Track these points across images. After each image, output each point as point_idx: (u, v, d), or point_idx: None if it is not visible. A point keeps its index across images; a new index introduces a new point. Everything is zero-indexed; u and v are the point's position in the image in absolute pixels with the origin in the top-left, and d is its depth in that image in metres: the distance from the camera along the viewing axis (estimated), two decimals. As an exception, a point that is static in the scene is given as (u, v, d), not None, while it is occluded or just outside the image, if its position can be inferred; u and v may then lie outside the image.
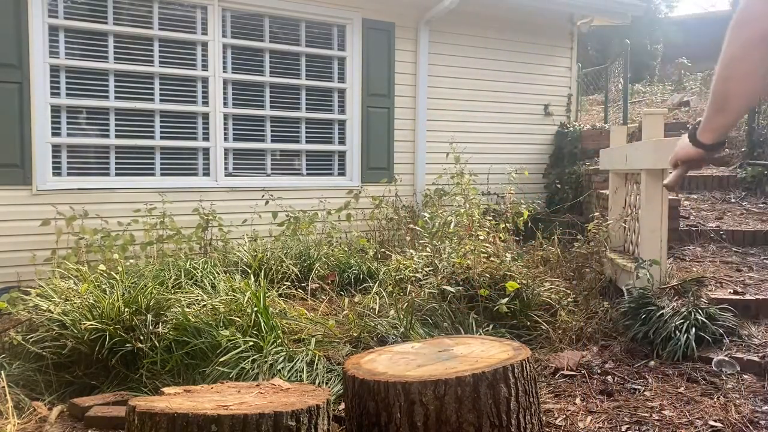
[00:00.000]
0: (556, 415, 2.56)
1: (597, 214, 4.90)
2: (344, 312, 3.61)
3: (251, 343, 2.87)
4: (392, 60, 6.34)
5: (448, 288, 3.58)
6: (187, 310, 3.11)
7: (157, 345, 2.93)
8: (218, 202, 5.32)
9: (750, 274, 3.93)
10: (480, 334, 3.25)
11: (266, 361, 2.78)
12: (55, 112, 4.98)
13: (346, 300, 3.80)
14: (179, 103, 5.48)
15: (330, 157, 6.25)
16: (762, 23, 1.33)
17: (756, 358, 2.97)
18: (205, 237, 4.82)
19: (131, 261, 4.27)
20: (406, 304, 3.51)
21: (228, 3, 5.58)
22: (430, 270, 3.89)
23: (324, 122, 6.19)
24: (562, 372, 3.01)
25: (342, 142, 6.26)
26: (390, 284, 3.83)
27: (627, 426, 2.44)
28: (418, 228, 4.62)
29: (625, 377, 2.96)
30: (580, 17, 7.39)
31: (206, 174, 5.61)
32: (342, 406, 2.53)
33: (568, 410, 2.61)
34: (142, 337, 2.96)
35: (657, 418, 2.51)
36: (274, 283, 3.97)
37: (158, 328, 3.03)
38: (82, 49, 5.10)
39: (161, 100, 5.40)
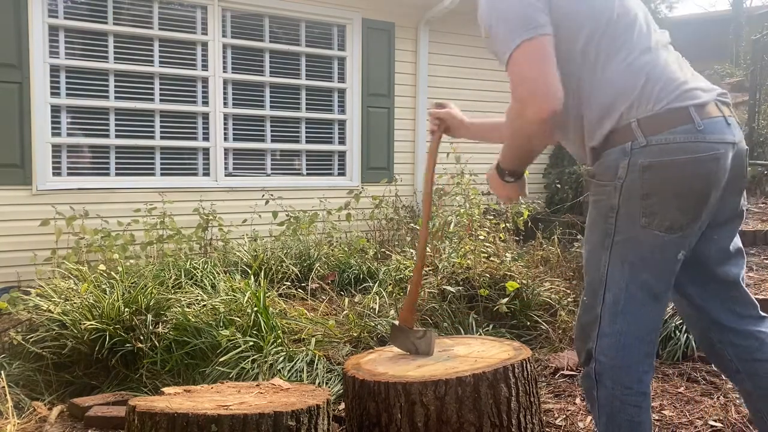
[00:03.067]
0: (556, 415, 2.56)
1: (597, 214, 4.89)
2: (344, 312, 3.61)
3: (251, 343, 2.87)
4: (392, 60, 6.34)
5: (448, 288, 3.58)
6: (187, 310, 3.11)
7: (157, 345, 2.94)
8: (218, 202, 5.31)
9: (750, 274, 3.93)
10: (480, 334, 3.25)
11: (266, 361, 2.78)
12: (55, 112, 4.98)
13: (346, 300, 3.80)
14: (179, 103, 5.47)
15: (330, 157, 6.25)
16: (550, 104, 1.50)
17: (756, 358, 2.97)
18: (205, 237, 4.82)
19: (131, 261, 4.27)
20: (406, 304, 3.51)
21: (228, 3, 5.58)
22: (430, 270, 3.89)
23: (324, 122, 6.19)
24: (562, 372, 3.01)
25: (342, 142, 6.26)
26: (390, 284, 3.83)
27: (627, 426, 2.44)
28: (418, 228, 4.61)
29: (625, 377, 2.96)
30: (580, 17, 7.38)
31: (206, 174, 5.61)
32: (342, 406, 2.53)
33: (568, 410, 2.61)
34: (142, 337, 2.96)
35: (657, 418, 2.51)
36: (274, 283, 3.97)
37: (158, 328, 3.03)
38: (82, 49, 5.09)
39: (161, 100, 5.39)
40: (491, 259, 3.90)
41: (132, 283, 3.43)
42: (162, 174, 5.42)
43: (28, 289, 3.54)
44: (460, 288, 3.60)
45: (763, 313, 1.75)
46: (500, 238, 4.37)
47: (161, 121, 5.41)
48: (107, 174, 5.23)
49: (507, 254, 4.04)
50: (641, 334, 1.60)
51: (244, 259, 4.29)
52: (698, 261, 1.68)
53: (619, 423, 1.61)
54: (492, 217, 4.85)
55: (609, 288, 1.60)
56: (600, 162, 1.60)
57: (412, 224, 5.25)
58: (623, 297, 1.58)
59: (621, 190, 1.54)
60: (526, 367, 2.04)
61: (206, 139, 5.59)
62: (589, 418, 2.53)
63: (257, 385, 2.13)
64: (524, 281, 3.71)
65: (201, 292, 3.44)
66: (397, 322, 2.30)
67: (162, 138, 5.41)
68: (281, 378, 2.55)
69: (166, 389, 2.03)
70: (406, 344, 2.25)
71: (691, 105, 1.51)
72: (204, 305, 3.20)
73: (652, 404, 2.64)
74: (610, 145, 1.57)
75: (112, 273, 3.60)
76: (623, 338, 1.59)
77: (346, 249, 4.85)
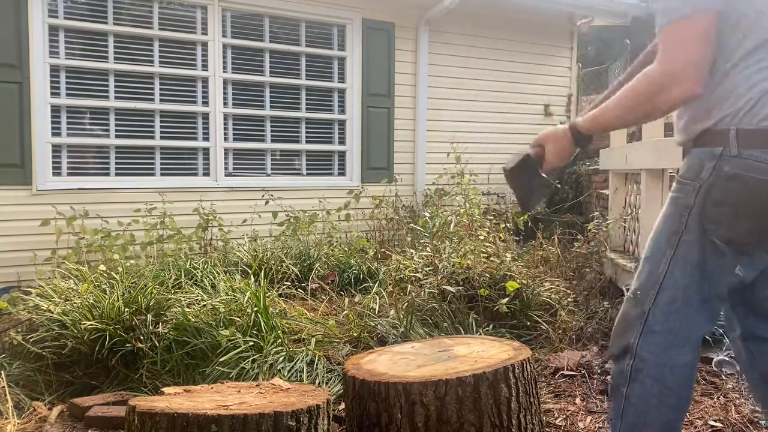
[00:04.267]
0: (556, 415, 2.56)
1: (597, 214, 4.90)
2: (344, 312, 3.61)
3: (251, 343, 2.87)
4: (392, 60, 6.33)
5: (448, 288, 3.58)
6: (187, 310, 3.11)
7: (157, 345, 2.93)
8: (218, 202, 5.32)
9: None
10: (480, 334, 3.25)
11: (266, 361, 2.78)
12: (55, 112, 4.98)
13: (346, 300, 3.80)
14: (179, 103, 5.47)
15: (330, 157, 6.25)
16: (689, 89, 1.46)
17: (756, 358, 2.97)
18: (205, 237, 4.82)
19: (131, 261, 4.26)
20: (406, 304, 3.51)
21: (228, 3, 5.58)
22: (430, 270, 3.89)
23: (324, 122, 6.19)
24: (562, 372, 3.01)
25: (342, 142, 6.26)
26: (390, 284, 3.83)
27: (627, 426, 2.44)
28: (418, 228, 4.61)
29: (625, 377, 2.96)
30: (580, 17, 7.38)
31: (206, 174, 5.61)
32: (342, 406, 2.53)
33: (568, 410, 2.61)
34: (142, 337, 2.96)
35: (657, 418, 2.51)
36: (274, 283, 3.97)
37: (158, 328, 3.03)
38: (82, 49, 5.09)
39: (161, 100, 5.39)
40: (491, 259, 3.90)
41: (132, 283, 3.43)
42: (162, 174, 5.42)
43: (28, 289, 3.54)
44: (460, 288, 3.60)
45: None
46: (500, 238, 4.37)
47: (161, 121, 5.41)
48: (107, 174, 5.23)
49: (507, 254, 4.04)
50: (691, 336, 1.59)
51: (244, 259, 4.29)
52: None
53: (649, 422, 1.59)
54: (492, 217, 4.85)
55: (666, 286, 1.58)
56: (686, 160, 1.59)
57: (411, 224, 5.25)
58: (681, 297, 1.57)
59: (699, 192, 1.53)
60: (526, 367, 2.04)
61: (206, 139, 5.59)
62: (589, 418, 2.53)
63: (257, 385, 2.13)
64: (524, 281, 3.71)
65: (201, 292, 3.44)
66: (531, 153, 1.87)
67: (162, 138, 5.41)
68: (281, 378, 2.55)
69: (166, 389, 2.02)
70: (528, 187, 1.89)
71: None
72: (204, 305, 3.20)
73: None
74: (700, 144, 1.55)
75: (112, 273, 3.60)
76: (673, 337, 1.57)
77: (346, 249, 4.85)
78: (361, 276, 4.33)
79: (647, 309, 1.60)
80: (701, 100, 1.52)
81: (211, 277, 3.76)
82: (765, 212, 1.49)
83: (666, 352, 1.58)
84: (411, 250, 4.36)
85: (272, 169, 5.95)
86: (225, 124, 5.67)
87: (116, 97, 5.21)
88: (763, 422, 2.42)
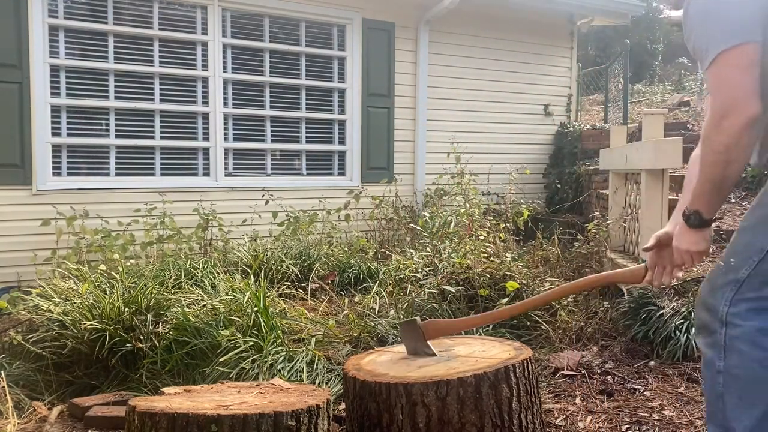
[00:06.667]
0: (556, 415, 2.56)
1: (597, 214, 4.90)
2: (344, 312, 3.61)
3: (251, 343, 2.87)
4: (392, 60, 6.33)
5: (448, 288, 3.58)
6: (187, 310, 3.11)
7: (157, 345, 2.93)
8: (218, 202, 5.31)
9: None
10: (480, 334, 3.25)
11: (266, 361, 2.78)
12: (55, 112, 4.98)
13: (346, 300, 3.80)
14: (179, 103, 5.47)
15: (330, 157, 6.25)
16: (747, 110, 1.48)
17: (756, 358, 2.97)
18: (205, 237, 4.82)
19: (131, 261, 4.27)
20: (406, 304, 3.51)
21: (228, 3, 5.57)
22: (430, 270, 3.89)
23: (324, 122, 6.19)
24: (562, 372, 3.01)
25: (342, 142, 6.26)
26: (390, 284, 3.83)
27: (627, 426, 2.44)
28: (418, 228, 4.61)
29: (625, 377, 2.96)
30: (580, 17, 7.39)
31: (206, 174, 5.61)
32: (342, 406, 2.53)
33: (568, 410, 2.61)
34: (142, 337, 2.96)
35: (657, 418, 2.51)
36: (274, 283, 3.97)
37: (158, 328, 3.03)
38: (82, 49, 5.09)
39: (161, 100, 5.39)
40: (491, 259, 3.90)
41: (132, 283, 3.43)
42: (162, 174, 5.42)
43: (29, 289, 3.54)
44: (460, 288, 3.60)
45: None
46: (500, 238, 4.37)
47: (161, 121, 5.41)
48: (107, 174, 5.22)
49: (507, 254, 4.04)
50: None
51: (244, 259, 4.29)
52: None
53: (760, 392, 1.56)
54: (492, 217, 4.85)
55: (766, 258, 1.57)
56: None
57: (411, 224, 5.25)
58: None
59: None
60: (527, 366, 2.04)
61: (206, 139, 5.59)
62: (590, 418, 2.53)
63: (257, 385, 2.12)
64: (524, 281, 3.71)
65: (201, 292, 3.43)
66: (419, 321, 2.23)
67: (162, 138, 5.41)
68: (281, 378, 2.55)
69: (166, 389, 2.02)
70: (411, 345, 2.23)
71: None
72: (204, 305, 3.20)
73: (652, 404, 2.64)
74: None
75: (112, 273, 3.60)
76: (766, 303, 1.57)
77: (346, 249, 4.85)
78: (361, 276, 4.33)
79: (743, 276, 1.60)
80: None
81: (211, 277, 3.76)
82: None
83: (760, 315, 1.57)
84: (411, 250, 4.36)
85: (272, 169, 5.95)
86: (225, 124, 5.67)
87: (116, 97, 5.21)
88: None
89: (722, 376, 1.60)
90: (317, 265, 4.31)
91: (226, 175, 5.67)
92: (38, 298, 3.27)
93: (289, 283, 4.01)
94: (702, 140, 1.61)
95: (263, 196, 5.46)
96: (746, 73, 1.50)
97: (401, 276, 3.91)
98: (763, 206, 1.64)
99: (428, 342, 2.21)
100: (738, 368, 1.58)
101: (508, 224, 4.76)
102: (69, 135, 5.06)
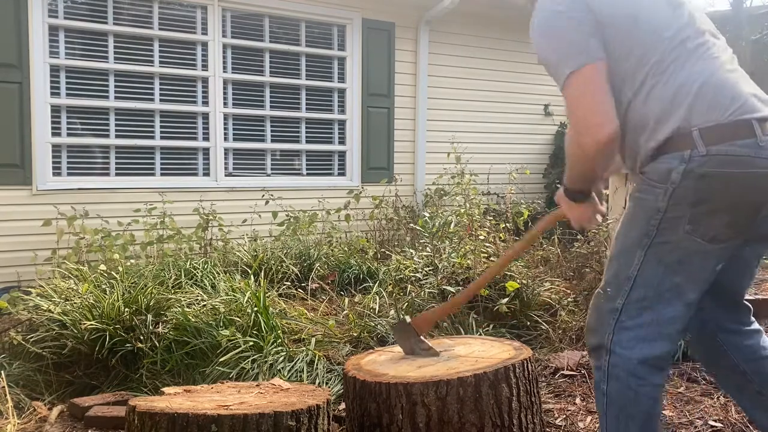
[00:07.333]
0: (556, 415, 2.56)
1: (597, 214, 4.88)
2: (344, 312, 3.61)
3: (251, 343, 2.87)
4: (392, 60, 6.33)
5: (448, 288, 3.58)
6: (187, 310, 3.11)
7: (157, 345, 2.93)
8: (218, 202, 5.31)
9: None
10: (480, 334, 3.25)
11: (266, 361, 2.78)
12: (55, 112, 4.97)
13: (346, 300, 3.80)
14: (179, 103, 5.47)
15: (330, 157, 6.25)
16: (603, 132, 1.54)
17: (756, 358, 2.97)
18: (205, 237, 4.82)
19: (131, 261, 4.26)
20: (406, 304, 3.51)
21: (228, 3, 5.57)
22: (430, 270, 3.89)
23: (324, 122, 6.19)
24: (562, 372, 3.01)
25: (342, 142, 6.26)
26: (390, 284, 3.83)
27: (627, 426, 2.44)
28: (418, 228, 4.61)
29: (626, 377, 2.96)
30: (580, 17, 7.37)
31: (206, 174, 5.61)
32: (342, 406, 2.53)
33: (568, 410, 2.61)
34: (142, 337, 2.96)
35: (657, 418, 2.51)
36: (274, 283, 3.97)
37: (158, 328, 3.03)
38: (82, 49, 5.09)
39: (161, 100, 5.39)
40: (491, 259, 3.90)
41: (132, 283, 3.43)
42: (162, 174, 5.42)
43: (29, 289, 3.54)
44: (460, 288, 3.59)
45: (752, 318, 1.84)
46: (500, 238, 4.37)
47: (161, 121, 5.41)
48: (107, 174, 5.22)
49: (507, 254, 4.03)
50: (663, 331, 1.61)
51: (244, 259, 4.29)
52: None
53: (632, 414, 1.62)
54: (492, 217, 4.85)
55: (638, 284, 1.61)
56: (653, 164, 1.59)
57: (411, 224, 5.25)
58: (652, 295, 1.60)
59: (671, 195, 1.54)
60: (527, 366, 2.04)
61: (206, 139, 5.59)
62: (590, 418, 2.53)
63: (257, 385, 2.13)
64: (524, 281, 3.71)
65: (201, 292, 3.43)
66: (409, 320, 2.27)
67: (162, 138, 5.41)
68: (281, 378, 2.55)
69: (166, 389, 2.03)
70: (407, 345, 2.24)
71: (753, 118, 1.50)
72: (204, 305, 3.20)
73: (653, 404, 2.64)
74: (666, 150, 1.56)
75: (113, 273, 3.60)
76: (644, 331, 1.60)
77: (346, 249, 4.85)
78: (361, 276, 4.32)
79: (620, 306, 1.63)
80: (648, 116, 1.58)
81: (211, 277, 3.76)
82: (743, 203, 1.52)
83: (637, 345, 1.61)
84: (411, 250, 4.36)
85: (272, 169, 5.95)
86: (225, 124, 5.67)
87: (116, 97, 5.21)
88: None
89: (606, 398, 1.66)
90: (317, 265, 4.31)
91: (226, 175, 5.67)
92: (38, 298, 3.28)
93: (289, 283, 4.01)
94: (566, 145, 1.68)
95: (263, 196, 5.46)
96: (598, 92, 1.56)
97: (401, 276, 3.91)
98: (624, 237, 1.66)
99: (423, 338, 2.22)
100: (616, 393, 1.63)
101: (508, 224, 4.76)
102: (69, 135, 5.05)
